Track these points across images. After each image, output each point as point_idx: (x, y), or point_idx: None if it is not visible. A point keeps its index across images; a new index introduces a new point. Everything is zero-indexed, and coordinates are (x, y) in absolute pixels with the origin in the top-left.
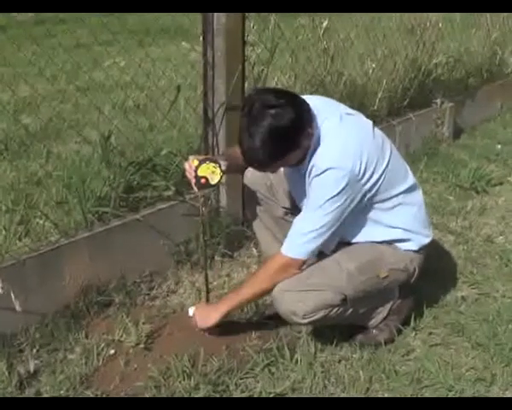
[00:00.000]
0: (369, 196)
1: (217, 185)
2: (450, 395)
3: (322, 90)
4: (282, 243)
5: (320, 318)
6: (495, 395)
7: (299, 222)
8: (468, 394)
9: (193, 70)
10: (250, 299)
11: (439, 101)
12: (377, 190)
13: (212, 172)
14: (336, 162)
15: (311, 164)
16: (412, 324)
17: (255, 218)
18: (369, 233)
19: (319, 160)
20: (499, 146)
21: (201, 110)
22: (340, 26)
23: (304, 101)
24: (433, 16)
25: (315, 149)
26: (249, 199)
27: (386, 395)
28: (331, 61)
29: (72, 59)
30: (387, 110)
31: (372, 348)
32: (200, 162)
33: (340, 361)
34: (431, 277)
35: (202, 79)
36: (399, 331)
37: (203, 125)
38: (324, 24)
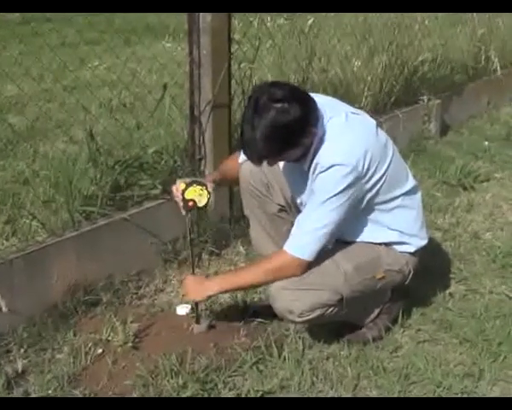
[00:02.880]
0: (370, 195)
1: (205, 207)
2: (439, 391)
3: (307, 87)
4: (274, 241)
5: (316, 317)
6: (483, 391)
7: (302, 220)
8: (457, 390)
9: (179, 69)
10: (246, 287)
11: (425, 98)
12: (378, 190)
13: (199, 195)
14: (341, 159)
15: (315, 161)
16: (400, 320)
17: (249, 213)
18: (368, 234)
19: (324, 157)
20: (486, 143)
21: (188, 109)
22: (325, 24)
23: (312, 99)
24: (419, 13)
25: (319, 147)
26: (244, 194)
27: (374, 392)
28: (317, 59)
29: (58, 58)
30: (374, 108)
31: (360, 345)
32: (187, 185)
33: (328, 358)
34: (419, 273)
35: (188, 77)
36: (387, 328)
37: (189, 124)
38: (309, 22)
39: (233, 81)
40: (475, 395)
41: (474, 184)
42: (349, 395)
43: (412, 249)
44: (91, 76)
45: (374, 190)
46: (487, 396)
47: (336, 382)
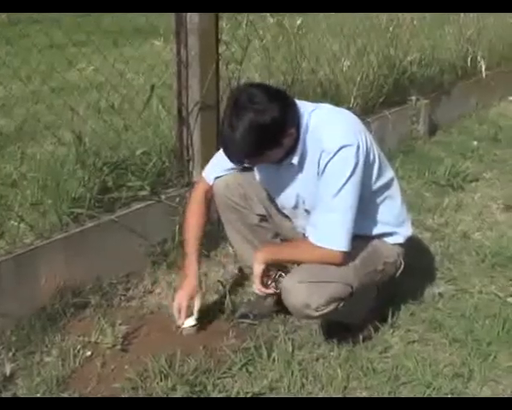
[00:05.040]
0: (368, 180)
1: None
2: (428, 391)
3: (296, 88)
4: (257, 248)
5: (330, 311)
6: (473, 391)
7: (326, 213)
8: (446, 390)
9: (167, 69)
10: (288, 261)
11: (414, 98)
12: (374, 174)
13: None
14: (345, 140)
15: (316, 154)
16: (389, 321)
17: (229, 227)
18: (363, 228)
19: (328, 143)
20: (475, 143)
21: (176, 109)
22: (313, 24)
23: (291, 99)
24: (407, 14)
25: (307, 138)
26: (222, 210)
27: (363, 393)
28: (305, 59)
29: (46, 59)
30: (362, 108)
31: (350, 346)
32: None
33: (317, 359)
34: (408, 273)
35: (176, 78)
36: (377, 329)
37: (177, 125)
38: (298, 22)
39: (221, 82)
40: (465, 396)
41: (463, 184)
42: (339, 396)
43: (401, 240)
44: (79, 77)
45: (372, 172)
46: (477, 397)
47: (326, 383)
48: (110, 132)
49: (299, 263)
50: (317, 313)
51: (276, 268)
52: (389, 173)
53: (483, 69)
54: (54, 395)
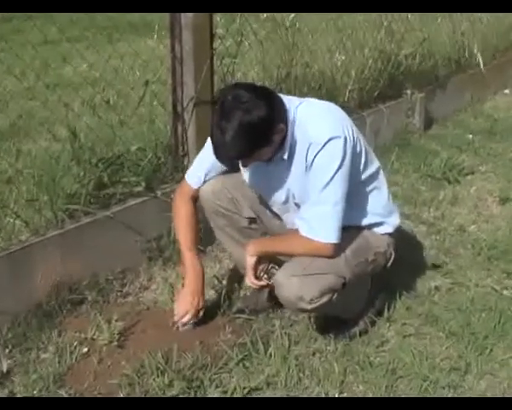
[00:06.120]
0: (355, 171)
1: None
2: (425, 385)
3: (291, 82)
4: None
5: (324, 303)
6: (469, 384)
7: (315, 205)
8: (443, 383)
9: (162, 65)
10: (278, 254)
11: (409, 92)
12: (361, 165)
13: None
14: (332, 132)
15: (304, 147)
16: (386, 315)
17: (219, 232)
18: (353, 219)
19: (316, 136)
20: (470, 136)
21: (170, 105)
22: (307, 18)
23: (276, 95)
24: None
25: (296, 131)
26: (211, 216)
27: (360, 387)
28: (300, 54)
29: (40, 56)
30: (358, 102)
31: (346, 340)
32: None
33: (314, 354)
34: (404, 267)
35: (171, 74)
36: (373, 323)
37: (172, 120)
38: (291, 16)
39: (216, 77)
40: (462, 389)
41: (459, 178)
42: (336, 391)
43: (391, 229)
44: (74, 73)
45: (360, 163)
46: (474, 390)
47: (323, 377)
48: (105, 128)
49: (290, 256)
50: (310, 306)
51: (268, 261)
52: (375, 164)
53: (481, 61)
54: (50, 392)
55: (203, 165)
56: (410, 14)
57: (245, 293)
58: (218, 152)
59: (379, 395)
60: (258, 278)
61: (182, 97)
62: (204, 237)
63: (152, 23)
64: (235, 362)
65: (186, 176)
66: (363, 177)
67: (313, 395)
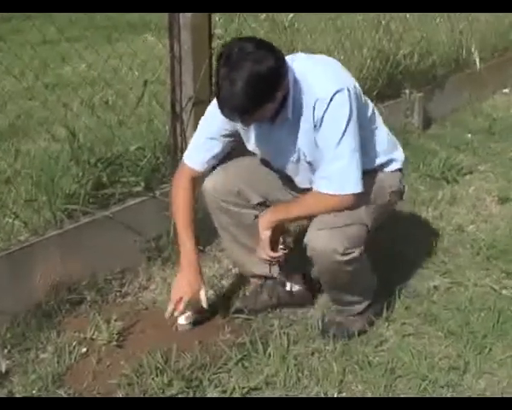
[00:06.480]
0: (361, 116)
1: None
2: (424, 384)
3: None
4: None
5: (356, 257)
6: (468, 384)
7: (333, 162)
8: (442, 383)
9: (160, 65)
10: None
11: (407, 91)
12: (364, 110)
13: None
14: (336, 85)
15: (310, 105)
16: (385, 314)
17: (223, 233)
18: (364, 164)
19: (319, 93)
20: (469, 135)
21: (169, 105)
22: (306, 18)
23: (279, 49)
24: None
25: (299, 88)
26: (215, 213)
27: (359, 387)
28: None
29: (39, 56)
30: None
31: (345, 340)
32: None
33: (313, 354)
34: (403, 267)
35: (169, 73)
36: (372, 322)
37: (171, 120)
38: (290, 16)
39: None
40: (461, 388)
41: (458, 177)
42: (335, 391)
43: (399, 165)
44: (73, 73)
45: (361, 107)
46: (473, 389)
47: (322, 377)
48: (104, 128)
49: (308, 218)
50: (345, 258)
51: (280, 231)
52: (370, 103)
53: (477, 61)
54: (49, 392)
55: (201, 144)
56: (408, 14)
57: (244, 293)
58: (225, 104)
59: (378, 395)
60: (273, 250)
61: (180, 97)
62: (203, 237)
63: (150, 22)
64: (234, 362)
65: (185, 158)
66: (366, 121)
67: (312, 395)
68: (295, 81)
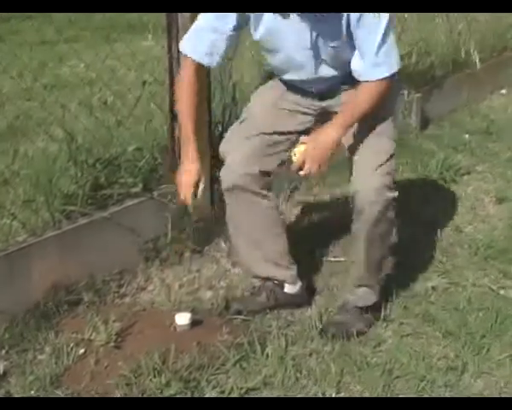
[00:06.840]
0: None
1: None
2: (422, 385)
3: None
4: (265, 259)
5: (396, 196)
6: (466, 384)
7: (369, 43)
8: (440, 383)
9: (159, 66)
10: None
11: (405, 92)
12: None
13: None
14: None
15: None
16: (383, 315)
17: (236, 233)
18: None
19: None
20: (467, 136)
21: (168, 106)
22: None
23: None
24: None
25: None
26: (230, 199)
27: (357, 387)
28: None
29: (38, 56)
30: None
31: (343, 341)
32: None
33: (311, 354)
34: (401, 267)
35: (168, 74)
36: (371, 324)
37: (169, 121)
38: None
39: (212, 78)
40: (459, 389)
41: (455, 178)
42: (333, 391)
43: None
44: (71, 74)
45: None
46: (471, 389)
47: (320, 378)
48: (102, 129)
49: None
50: (394, 193)
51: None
52: None
53: (477, 61)
54: (47, 393)
55: (204, 34)
56: (406, 14)
57: (242, 294)
58: None
59: (376, 395)
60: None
61: None
62: (201, 238)
63: (149, 23)
64: (233, 363)
65: (186, 51)
66: None
67: (310, 395)
68: None
